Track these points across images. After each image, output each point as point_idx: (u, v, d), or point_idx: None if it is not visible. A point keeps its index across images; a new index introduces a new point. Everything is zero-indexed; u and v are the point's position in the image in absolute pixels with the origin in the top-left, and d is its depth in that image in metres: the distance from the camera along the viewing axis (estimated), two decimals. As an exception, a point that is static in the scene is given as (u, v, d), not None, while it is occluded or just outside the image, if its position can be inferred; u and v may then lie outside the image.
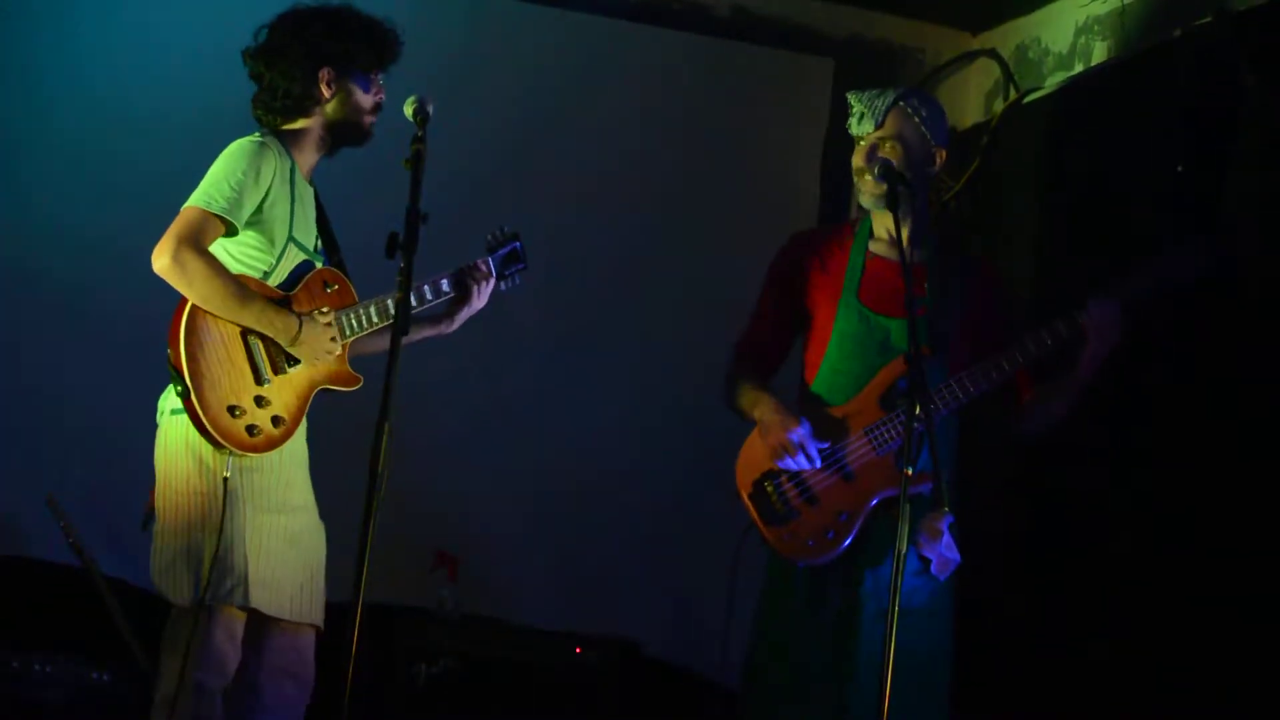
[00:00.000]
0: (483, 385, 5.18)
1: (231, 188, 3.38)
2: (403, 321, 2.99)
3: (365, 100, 3.58)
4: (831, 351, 3.66)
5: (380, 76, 3.62)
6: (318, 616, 3.54)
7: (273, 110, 3.56)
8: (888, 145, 3.61)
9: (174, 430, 3.42)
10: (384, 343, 3.28)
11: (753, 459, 3.62)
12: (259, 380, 3.41)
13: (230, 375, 3.37)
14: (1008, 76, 5.34)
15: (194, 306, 3.36)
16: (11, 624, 4.59)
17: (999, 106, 5.32)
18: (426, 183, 3.10)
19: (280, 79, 3.52)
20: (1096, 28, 4.92)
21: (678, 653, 5.22)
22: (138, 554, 4.86)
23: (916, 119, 3.63)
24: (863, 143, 3.66)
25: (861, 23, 5.62)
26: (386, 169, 3.32)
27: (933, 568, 3.47)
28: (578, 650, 5.03)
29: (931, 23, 5.65)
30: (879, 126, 3.62)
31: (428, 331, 3.73)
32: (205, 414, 3.31)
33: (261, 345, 3.41)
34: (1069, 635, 4.32)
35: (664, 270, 5.38)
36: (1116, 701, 4.08)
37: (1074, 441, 4.17)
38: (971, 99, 5.58)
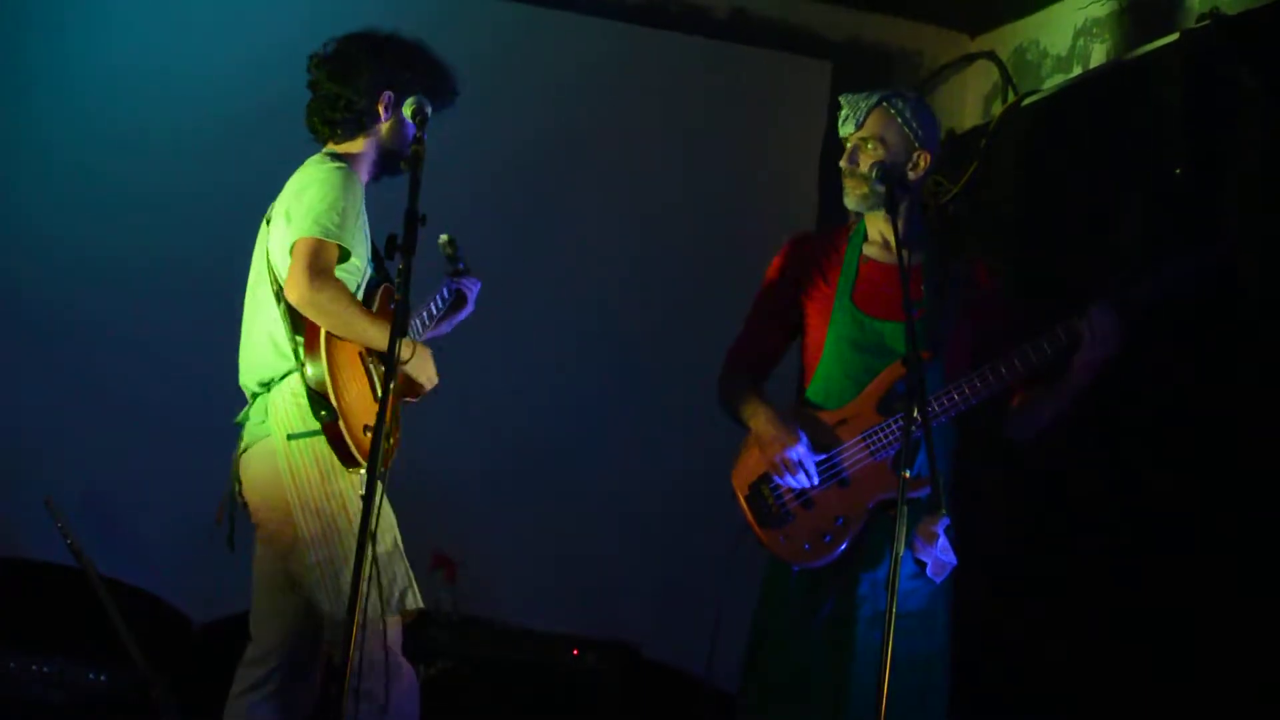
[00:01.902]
0: (481, 388, 5.18)
1: (339, 213, 3.43)
2: (401, 324, 3.00)
3: (411, 132, 3.59)
4: (827, 355, 3.65)
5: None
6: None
7: (329, 122, 3.62)
8: (868, 146, 3.61)
9: (302, 453, 3.45)
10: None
11: (749, 462, 3.61)
12: (375, 397, 3.49)
13: (360, 396, 3.47)
14: (1006, 79, 5.34)
15: (327, 333, 3.41)
16: (9, 625, 4.59)
17: (997, 109, 5.33)
18: (426, 184, 3.10)
19: (344, 91, 3.57)
20: (1094, 30, 4.93)
21: (676, 655, 5.21)
22: (135, 555, 4.91)
23: (899, 120, 3.61)
24: (847, 144, 3.66)
25: (860, 25, 5.63)
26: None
27: (928, 570, 3.47)
28: (576, 652, 5.02)
29: (930, 25, 5.65)
30: (859, 127, 3.62)
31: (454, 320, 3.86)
32: (350, 437, 3.40)
33: (377, 363, 3.51)
34: (1065, 639, 4.32)
35: (661, 272, 5.38)
36: (1115, 704, 4.08)
37: (1071, 444, 4.19)
38: (970, 101, 5.59)
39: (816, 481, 3.52)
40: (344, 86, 3.58)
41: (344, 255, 3.46)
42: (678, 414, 5.18)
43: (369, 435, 3.40)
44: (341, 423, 3.39)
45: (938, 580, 3.49)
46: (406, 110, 3.33)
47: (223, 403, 4.91)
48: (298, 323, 3.45)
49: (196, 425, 4.93)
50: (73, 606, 4.57)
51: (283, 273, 3.48)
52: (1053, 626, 4.37)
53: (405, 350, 3.46)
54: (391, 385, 2.93)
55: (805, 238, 3.87)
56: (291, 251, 3.41)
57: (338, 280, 3.42)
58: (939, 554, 3.44)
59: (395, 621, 3.50)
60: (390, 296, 3.63)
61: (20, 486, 4.70)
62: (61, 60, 4.97)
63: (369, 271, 3.62)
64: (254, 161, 4.98)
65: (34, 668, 4.36)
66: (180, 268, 4.99)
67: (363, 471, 3.42)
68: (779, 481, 3.53)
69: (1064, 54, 5.08)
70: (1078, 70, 4.96)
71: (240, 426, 3.64)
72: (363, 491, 3.35)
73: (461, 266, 3.84)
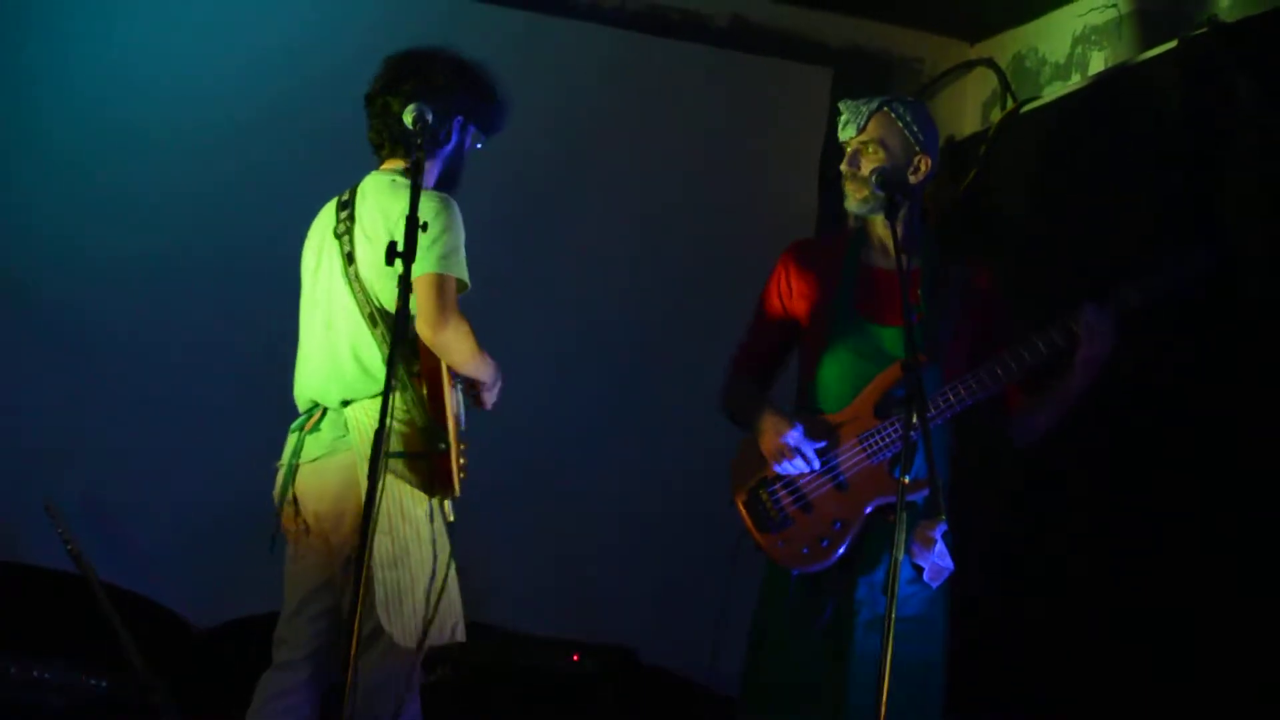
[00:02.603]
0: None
1: (458, 248, 3.50)
2: (401, 328, 3.01)
3: (466, 152, 3.75)
4: (826, 360, 3.66)
5: (481, 143, 3.79)
6: None
7: (402, 140, 3.62)
8: (870, 150, 3.63)
9: (387, 474, 3.46)
10: None
11: (746, 466, 3.62)
12: (459, 425, 3.62)
13: (453, 426, 3.56)
14: (1005, 86, 5.35)
15: (445, 366, 3.50)
16: (9, 630, 4.59)
17: (996, 116, 5.34)
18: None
19: (424, 112, 3.51)
20: (1093, 38, 4.94)
21: (675, 660, 5.21)
22: (135, 560, 4.91)
23: (900, 124, 3.63)
24: (848, 148, 3.67)
25: (860, 33, 5.64)
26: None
27: (925, 575, 3.47)
28: (575, 657, 5.03)
29: (929, 32, 5.66)
30: (860, 131, 3.64)
31: None
32: (455, 465, 3.53)
33: (463, 390, 3.63)
34: (1063, 643, 4.32)
35: (661, 276, 5.38)
36: (1115, 704, 4.08)
37: (1070, 447, 4.19)
38: (969, 108, 5.60)
39: (817, 465, 3.53)
40: (426, 108, 3.47)
41: (462, 287, 3.52)
42: (676, 418, 5.18)
43: (461, 460, 3.56)
44: (452, 453, 3.51)
45: (934, 585, 3.50)
46: (406, 118, 3.33)
47: (223, 406, 4.96)
48: (415, 353, 3.49)
49: (197, 429, 4.96)
50: (72, 611, 4.57)
51: (380, 295, 3.52)
52: (1053, 626, 4.37)
53: (499, 378, 3.64)
54: (391, 391, 2.97)
55: (805, 244, 3.88)
56: (415, 284, 3.36)
57: (463, 316, 3.48)
58: (936, 559, 3.45)
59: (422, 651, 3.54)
60: None
61: (20, 490, 4.69)
62: (63, 56, 4.96)
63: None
64: (255, 162, 5.03)
65: (34, 673, 4.36)
66: (182, 270, 4.98)
67: (440, 499, 3.57)
68: (778, 470, 3.54)
69: (1063, 61, 5.09)
70: (1076, 78, 4.97)
71: (297, 434, 3.70)
72: (452, 518, 3.59)
73: None
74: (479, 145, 3.79)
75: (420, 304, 3.43)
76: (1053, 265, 4.76)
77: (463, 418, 3.64)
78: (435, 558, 3.50)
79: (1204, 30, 4.16)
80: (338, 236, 3.64)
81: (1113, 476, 4.26)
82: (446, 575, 3.52)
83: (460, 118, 3.69)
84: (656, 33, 5.45)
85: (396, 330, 3.02)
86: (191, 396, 4.97)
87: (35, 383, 4.89)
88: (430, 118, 3.32)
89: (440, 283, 3.43)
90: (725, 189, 5.47)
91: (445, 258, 3.44)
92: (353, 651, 2.90)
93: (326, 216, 3.71)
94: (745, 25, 5.55)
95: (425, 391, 3.51)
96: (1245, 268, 3.85)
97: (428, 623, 3.46)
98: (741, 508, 3.59)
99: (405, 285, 3.03)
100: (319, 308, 3.67)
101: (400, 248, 3.04)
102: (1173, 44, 4.32)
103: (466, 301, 3.55)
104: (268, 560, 4.74)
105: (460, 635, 3.58)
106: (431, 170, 3.68)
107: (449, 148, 3.69)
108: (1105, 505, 4.28)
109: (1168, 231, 4.18)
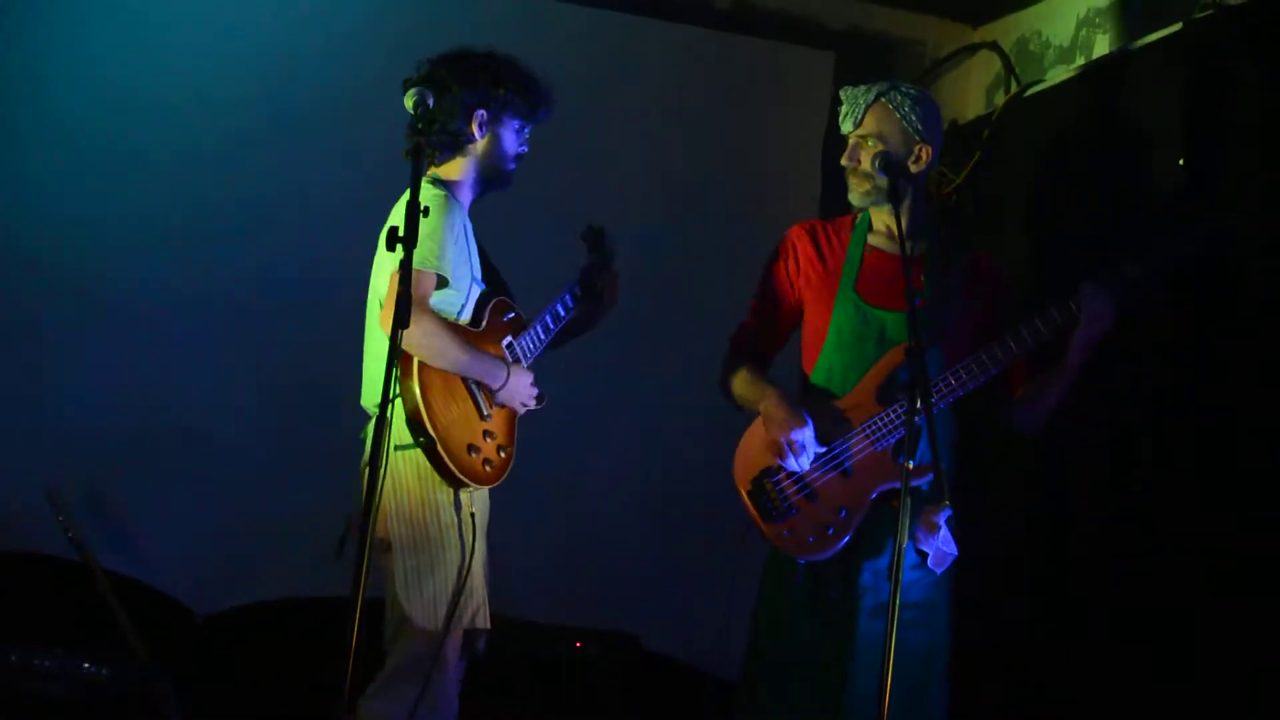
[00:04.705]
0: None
1: (436, 242, 3.50)
2: (402, 317, 3.01)
3: (510, 146, 3.72)
4: (829, 344, 3.66)
5: (528, 130, 3.77)
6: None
7: (430, 144, 3.64)
8: (868, 143, 3.63)
9: (405, 463, 3.53)
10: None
11: (751, 455, 3.62)
12: (482, 416, 3.58)
13: (462, 417, 3.54)
14: (1009, 69, 5.33)
15: (420, 362, 3.47)
16: (11, 618, 4.59)
17: (1000, 99, 5.32)
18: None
19: (438, 113, 3.59)
20: (1097, 20, 4.92)
21: (678, 647, 5.21)
22: (137, 548, 4.90)
23: (898, 114, 3.63)
24: (849, 142, 3.68)
25: (862, 15, 5.62)
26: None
27: (929, 561, 3.47)
28: (578, 644, 5.02)
29: (932, 15, 5.64)
30: (858, 125, 3.65)
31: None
32: (451, 460, 3.47)
33: (479, 385, 3.58)
34: (1069, 629, 4.31)
35: (663, 263, 5.36)
36: (1115, 704, 4.08)
37: (1074, 437, 4.18)
38: (973, 92, 5.57)
39: (807, 468, 3.52)
40: (440, 110, 3.58)
41: (442, 282, 3.52)
42: (680, 405, 5.17)
43: (474, 455, 3.52)
44: (440, 446, 3.46)
45: (938, 571, 3.50)
46: (407, 103, 3.32)
47: (227, 392, 4.95)
48: (395, 349, 3.47)
49: (200, 419, 4.95)
50: (74, 599, 4.57)
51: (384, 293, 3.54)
52: (1053, 626, 4.36)
53: (499, 377, 3.57)
54: (392, 387, 2.97)
55: (809, 227, 3.87)
56: (391, 276, 3.43)
57: (431, 312, 3.47)
58: (940, 545, 3.44)
59: (457, 635, 3.53)
60: (501, 310, 3.72)
61: (22, 479, 4.69)
62: (78, 35, 4.93)
63: (476, 289, 3.68)
64: (262, 168, 5.02)
65: (35, 661, 4.36)
66: (184, 265, 4.97)
67: (471, 488, 3.54)
68: (781, 463, 3.53)
69: (1066, 44, 5.07)
70: (1080, 61, 4.95)
71: (363, 441, 3.70)
72: (474, 510, 3.54)
73: (598, 263, 3.94)
74: (523, 140, 3.76)
75: (386, 298, 3.45)
76: (1056, 248, 4.74)
77: (484, 412, 3.59)
78: (456, 545, 3.51)
79: (1209, 13, 4.14)
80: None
81: (1113, 475, 4.25)
82: (466, 562, 3.51)
83: (483, 111, 3.66)
84: (658, 16, 5.43)
85: (396, 318, 3.00)
86: (195, 387, 4.96)
87: (37, 372, 4.88)
88: (431, 102, 3.31)
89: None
90: (728, 173, 5.45)
91: (419, 251, 3.39)
92: (354, 640, 2.89)
93: None
94: (747, 9, 5.53)
95: (402, 390, 3.49)
96: (1246, 252, 3.83)
97: (452, 607, 3.47)
98: (746, 498, 3.59)
99: (406, 271, 3.02)
100: (368, 314, 3.71)
101: (401, 233, 3.04)
102: (1177, 27, 4.30)
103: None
104: (270, 549, 4.75)
105: (481, 621, 3.57)
106: (467, 171, 3.69)
107: (476, 144, 3.68)
108: (1106, 504, 4.27)
109: (1170, 214, 4.16)
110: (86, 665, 4.37)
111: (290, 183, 5.01)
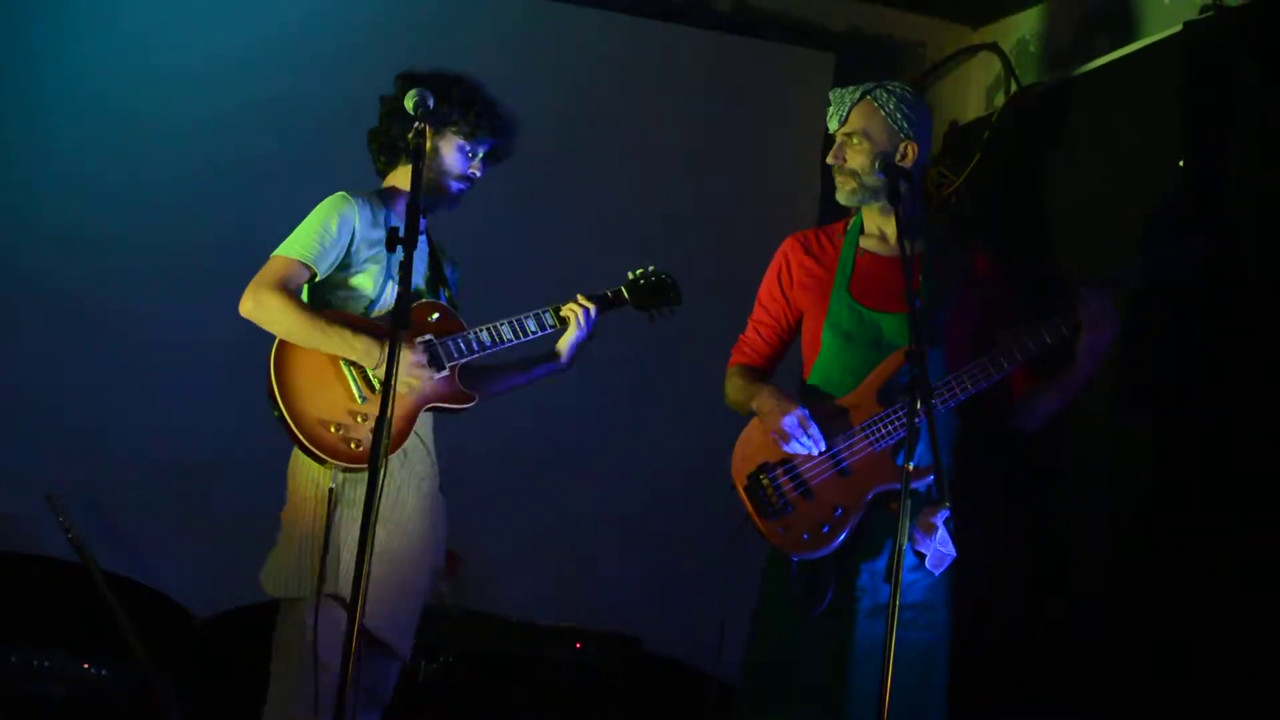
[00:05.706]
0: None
1: (311, 234, 3.60)
2: (402, 318, 3.03)
3: (452, 165, 3.72)
4: (825, 348, 3.66)
5: (481, 153, 3.76)
6: (402, 645, 3.68)
7: (373, 153, 3.80)
8: (853, 141, 3.64)
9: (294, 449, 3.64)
10: (511, 382, 3.97)
11: (748, 452, 3.62)
12: (357, 397, 3.59)
13: (325, 395, 3.57)
14: (1009, 71, 5.33)
15: (281, 340, 3.57)
16: (11, 619, 4.59)
17: (1000, 100, 5.32)
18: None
19: (382, 122, 3.75)
20: (1097, 22, 4.92)
21: (677, 648, 5.21)
22: (136, 550, 4.90)
23: (883, 113, 3.63)
24: (836, 140, 3.68)
25: (862, 17, 5.62)
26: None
27: (928, 563, 3.47)
28: (578, 646, 5.02)
29: (933, 17, 5.64)
30: (843, 123, 3.66)
31: (546, 366, 3.99)
32: (301, 431, 3.53)
33: (354, 367, 3.59)
34: (1065, 639, 4.31)
35: (663, 264, 5.35)
36: (1115, 704, 4.07)
37: (1071, 443, 4.18)
38: (972, 93, 5.58)
39: (822, 444, 3.52)
40: (382, 119, 3.75)
41: (314, 274, 3.60)
42: (678, 405, 5.17)
43: (337, 432, 3.54)
44: (290, 420, 3.52)
45: (936, 572, 3.49)
46: (408, 103, 3.33)
47: (225, 398, 4.94)
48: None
49: (199, 421, 4.94)
50: (74, 601, 4.57)
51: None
52: (1052, 626, 4.36)
53: (371, 357, 3.55)
54: (392, 384, 2.99)
55: (805, 235, 3.88)
56: None
57: (287, 292, 3.55)
58: (938, 546, 3.44)
59: (332, 605, 3.54)
60: (427, 311, 3.73)
61: (22, 481, 4.69)
62: (69, 47, 4.95)
63: (392, 286, 3.68)
64: (253, 158, 5.02)
65: (35, 662, 4.36)
66: (184, 264, 4.97)
67: (333, 464, 3.56)
68: (786, 450, 3.53)
69: (1066, 46, 5.07)
70: (1080, 62, 4.95)
71: None
72: (332, 485, 3.58)
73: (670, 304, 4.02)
74: (471, 163, 3.74)
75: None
76: (1055, 249, 4.74)
77: (359, 394, 3.59)
78: (311, 519, 3.57)
79: (1210, 15, 4.14)
80: None
81: (1113, 475, 4.25)
82: (326, 534, 3.54)
83: (421, 124, 3.52)
84: (658, 18, 5.43)
85: (396, 318, 3.02)
86: (194, 386, 4.95)
87: (37, 374, 4.88)
88: (431, 102, 3.34)
89: (270, 262, 3.60)
90: (728, 175, 5.45)
91: (288, 241, 3.61)
92: (354, 641, 2.89)
93: None
94: (747, 10, 5.54)
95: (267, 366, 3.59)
96: (1246, 252, 3.83)
97: (316, 577, 3.52)
98: (742, 493, 3.59)
99: (406, 272, 3.03)
100: None
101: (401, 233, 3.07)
102: (1178, 28, 4.30)
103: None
104: (268, 550, 4.73)
105: (333, 587, 3.54)
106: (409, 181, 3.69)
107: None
108: (1107, 504, 4.27)
109: (1170, 216, 4.16)
110: (86, 666, 4.38)
111: (288, 196, 5.01)
